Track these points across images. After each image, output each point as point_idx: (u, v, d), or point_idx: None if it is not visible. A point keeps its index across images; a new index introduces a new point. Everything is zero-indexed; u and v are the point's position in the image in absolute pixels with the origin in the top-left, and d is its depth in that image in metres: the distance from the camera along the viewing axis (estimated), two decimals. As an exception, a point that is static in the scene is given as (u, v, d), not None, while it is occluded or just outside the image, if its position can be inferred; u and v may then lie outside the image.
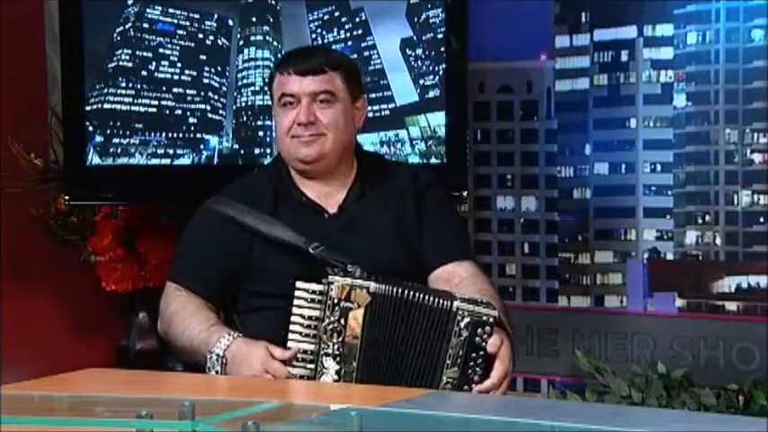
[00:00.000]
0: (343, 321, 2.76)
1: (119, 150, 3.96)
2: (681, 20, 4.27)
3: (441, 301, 2.77)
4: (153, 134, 3.97)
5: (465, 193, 4.17)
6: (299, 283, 2.78)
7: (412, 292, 2.78)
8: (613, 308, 4.42)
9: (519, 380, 4.55)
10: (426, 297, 2.78)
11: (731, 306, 4.21)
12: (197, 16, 4.00)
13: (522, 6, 4.50)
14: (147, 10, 3.97)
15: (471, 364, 2.76)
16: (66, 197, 4.03)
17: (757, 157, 4.17)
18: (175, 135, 3.98)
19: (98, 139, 3.95)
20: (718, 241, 4.24)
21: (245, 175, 3.11)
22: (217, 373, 2.80)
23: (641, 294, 4.36)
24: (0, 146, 4.22)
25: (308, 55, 3.05)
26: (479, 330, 2.76)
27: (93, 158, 3.95)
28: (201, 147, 3.99)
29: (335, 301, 2.76)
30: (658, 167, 4.34)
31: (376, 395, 2.56)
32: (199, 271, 3.00)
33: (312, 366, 2.77)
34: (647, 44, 4.34)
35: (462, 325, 2.75)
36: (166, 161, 3.98)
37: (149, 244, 4.25)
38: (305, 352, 2.77)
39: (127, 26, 3.97)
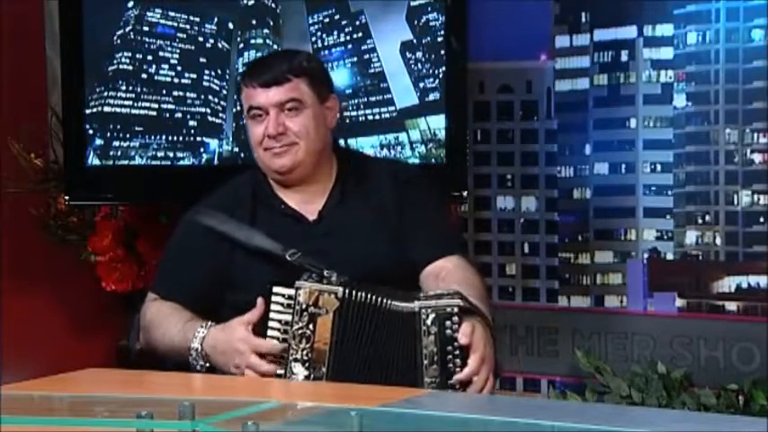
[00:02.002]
0: (311, 327, 2.74)
1: (119, 153, 3.96)
2: (681, 20, 4.27)
3: (403, 303, 2.75)
4: (153, 137, 3.97)
5: (465, 193, 4.16)
6: (275, 288, 2.77)
7: (378, 297, 2.76)
8: (613, 308, 4.42)
9: (519, 380, 4.55)
10: (390, 301, 2.75)
11: (731, 306, 4.21)
12: (197, 19, 4.00)
13: (522, 6, 4.50)
14: (148, 13, 3.97)
15: (450, 357, 2.73)
16: (67, 197, 4.03)
17: (757, 157, 4.17)
18: (175, 138, 3.98)
19: (98, 141, 3.95)
20: (718, 241, 4.24)
21: (225, 184, 3.11)
22: (202, 367, 2.81)
23: (641, 294, 4.36)
24: (0, 146, 4.23)
25: (269, 65, 3.02)
26: (447, 323, 2.72)
27: (93, 161, 3.95)
28: (201, 150, 3.99)
29: (304, 306, 2.74)
30: (658, 167, 4.34)
31: (376, 395, 2.56)
32: (179, 283, 3.00)
33: (282, 372, 2.75)
34: (647, 44, 4.34)
35: (429, 322, 2.72)
36: (166, 164, 3.98)
37: (149, 244, 4.25)
38: (278, 357, 2.77)
39: (127, 29, 3.97)
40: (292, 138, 2.96)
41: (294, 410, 2.27)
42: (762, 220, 4.16)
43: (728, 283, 4.22)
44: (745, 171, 4.19)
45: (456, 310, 2.73)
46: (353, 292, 2.75)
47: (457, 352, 2.73)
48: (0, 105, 4.31)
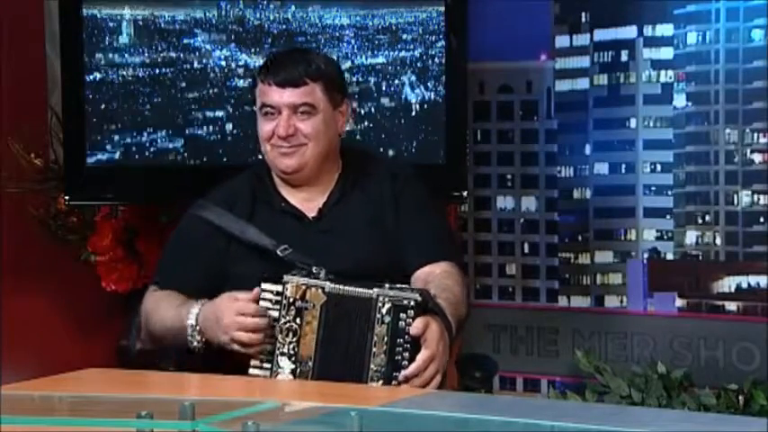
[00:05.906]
0: (298, 321, 2.76)
1: (119, 151, 3.96)
2: (681, 20, 4.28)
3: (363, 290, 2.76)
4: (153, 134, 3.97)
5: (465, 193, 4.16)
6: (263, 285, 2.79)
7: (352, 287, 2.77)
8: (613, 308, 4.42)
9: (519, 380, 4.55)
10: (356, 288, 2.76)
11: (731, 306, 4.21)
12: (197, 16, 3.99)
13: (522, 6, 4.50)
14: (147, 12, 3.96)
15: (399, 349, 2.73)
16: (67, 197, 4.03)
17: (757, 157, 4.18)
18: (176, 135, 3.98)
19: (98, 138, 3.95)
20: (718, 241, 4.24)
21: (229, 179, 3.13)
22: (198, 343, 2.84)
23: (641, 294, 4.36)
24: (0, 146, 4.23)
25: (287, 65, 3.01)
26: (402, 315, 2.73)
27: (93, 159, 3.94)
28: (203, 147, 3.98)
29: (291, 300, 2.77)
30: (658, 167, 4.34)
31: (377, 395, 2.56)
32: (177, 275, 3.03)
33: (269, 366, 2.77)
34: (647, 44, 4.34)
35: (384, 311, 2.73)
36: (167, 163, 3.98)
37: (149, 244, 4.25)
38: (265, 352, 2.78)
39: (126, 27, 3.96)
40: (302, 139, 2.99)
41: (294, 410, 2.28)
42: (762, 220, 4.16)
43: (728, 283, 4.22)
44: (745, 171, 4.19)
45: (413, 303, 2.74)
46: (340, 287, 2.77)
47: (407, 345, 2.73)
48: (0, 105, 4.31)
